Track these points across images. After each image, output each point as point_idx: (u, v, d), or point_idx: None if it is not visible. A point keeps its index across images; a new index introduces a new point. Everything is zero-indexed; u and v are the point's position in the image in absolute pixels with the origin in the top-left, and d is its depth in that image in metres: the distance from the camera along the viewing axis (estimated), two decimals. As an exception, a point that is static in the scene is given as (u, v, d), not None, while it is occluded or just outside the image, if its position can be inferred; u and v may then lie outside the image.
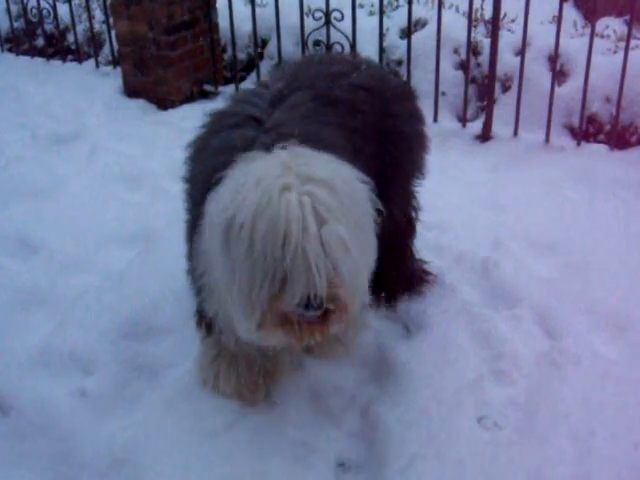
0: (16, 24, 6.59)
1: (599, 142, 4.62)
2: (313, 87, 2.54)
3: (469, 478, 2.37)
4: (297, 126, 2.31)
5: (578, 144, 4.57)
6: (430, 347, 2.90)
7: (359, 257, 2.04)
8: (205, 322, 2.57)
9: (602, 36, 5.06)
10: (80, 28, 6.30)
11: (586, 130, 4.66)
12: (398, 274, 3.10)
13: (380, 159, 2.72)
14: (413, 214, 3.08)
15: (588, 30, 4.71)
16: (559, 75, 4.79)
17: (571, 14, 5.73)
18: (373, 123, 2.67)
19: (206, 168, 2.32)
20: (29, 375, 2.82)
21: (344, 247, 1.98)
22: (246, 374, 2.67)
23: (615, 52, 4.84)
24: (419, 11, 5.50)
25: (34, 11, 6.28)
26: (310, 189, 1.98)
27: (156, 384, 2.77)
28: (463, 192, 4.08)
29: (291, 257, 1.93)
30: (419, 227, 3.14)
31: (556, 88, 4.60)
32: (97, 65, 6.12)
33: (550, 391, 2.69)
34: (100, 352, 2.90)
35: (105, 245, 3.63)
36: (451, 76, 5.08)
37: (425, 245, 3.32)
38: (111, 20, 5.73)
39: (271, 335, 2.12)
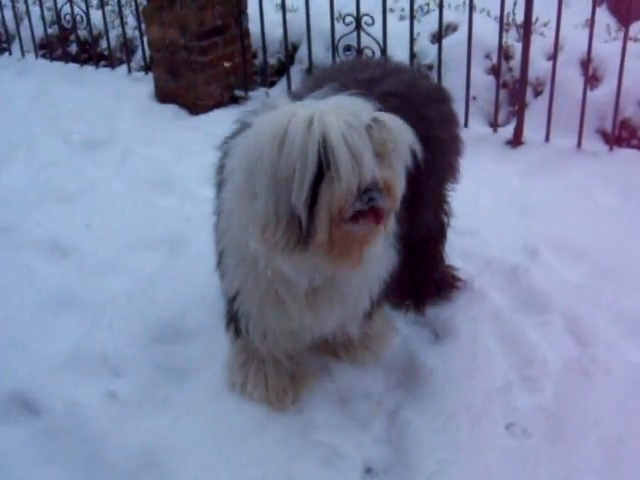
0: (50, 30, 6.67)
1: (632, 147, 4.57)
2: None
3: (497, 485, 2.36)
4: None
5: (610, 149, 4.52)
6: (458, 353, 2.89)
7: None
8: (234, 324, 2.59)
9: (636, 40, 5.00)
10: (113, 34, 6.36)
11: (619, 135, 4.62)
12: (427, 279, 3.10)
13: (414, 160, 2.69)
14: (445, 219, 3.07)
15: (621, 34, 4.67)
16: (592, 79, 4.75)
17: (605, 18, 5.67)
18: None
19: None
20: (60, 377, 2.85)
21: (392, 137, 2.03)
22: (275, 379, 2.69)
23: (649, 56, 4.79)
24: (450, 16, 5.47)
25: (68, 17, 6.36)
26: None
27: (185, 387, 2.79)
28: (493, 197, 4.06)
29: (334, 146, 1.93)
30: (449, 232, 3.13)
31: (589, 93, 4.56)
32: (129, 71, 6.18)
33: (579, 398, 2.67)
34: (130, 355, 2.93)
35: (135, 249, 3.66)
36: (482, 81, 5.05)
37: (455, 250, 3.30)
38: (143, 26, 5.79)
39: (311, 255, 2.10)
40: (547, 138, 4.65)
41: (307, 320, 2.41)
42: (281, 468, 2.45)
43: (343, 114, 2.00)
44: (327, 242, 2.05)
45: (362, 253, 2.15)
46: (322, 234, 2.03)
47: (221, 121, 5.25)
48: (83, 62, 6.47)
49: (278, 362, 2.69)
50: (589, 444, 2.50)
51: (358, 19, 4.89)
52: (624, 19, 4.58)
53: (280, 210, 2.02)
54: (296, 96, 2.54)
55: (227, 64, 5.55)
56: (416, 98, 2.72)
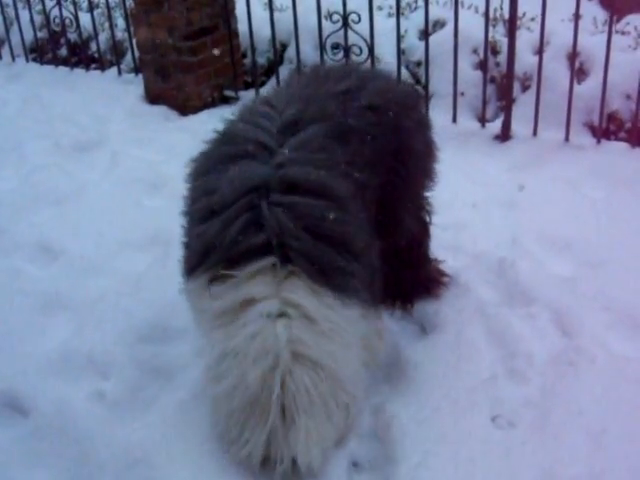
0: (40, 34, 6.67)
1: (619, 140, 4.59)
2: (325, 118, 2.50)
3: (481, 476, 2.36)
4: (307, 168, 2.32)
5: (598, 142, 4.53)
6: (445, 346, 2.90)
7: None
8: None
9: (623, 33, 5.01)
10: (103, 37, 6.38)
11: (606, 128, 4.63)
12: (415, 280, 3.11)
13: (392, 174, 2.71)
14: (427, 218, 3.08)
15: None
16: (579, 73, 4.76)
17: (592, 11, 5.67)
18: (383, 144, 2.65)
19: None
20: (48, 378, 2.86)
21: None
22: None
23: (636, 49, 4.80)
24: (438, 12, 5.49)
25: (57, 21, 6.37)
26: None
27: (172, 386, 2.79)
28: (481, 192, 4.07)
29: None
30: (436, 227, 3.14)
31: (576, 86, 4.58)
32: (119, 73, 6.20)
33: (565, 389, 2.68)
34: (117, 355, 2.94)
35: (124, 250, 3.68)
36: (470, 76, 5.06)
37: (441, 245, 3.32)
38: (132, 28, 5.79)
39: None
40: (535, 132, 4.66)
41: None
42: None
43: None
44: None
45: None
46: None
47: (211, 121, 5.17)
48: (73, 65, 6.48)
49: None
50: (574, 434, 2.51)
51: (345, 17, 4.90)
52: (617, 11, 4.58)
53: None
54: (270, 105, 2.58)
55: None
56: (392, 108, 2.72)
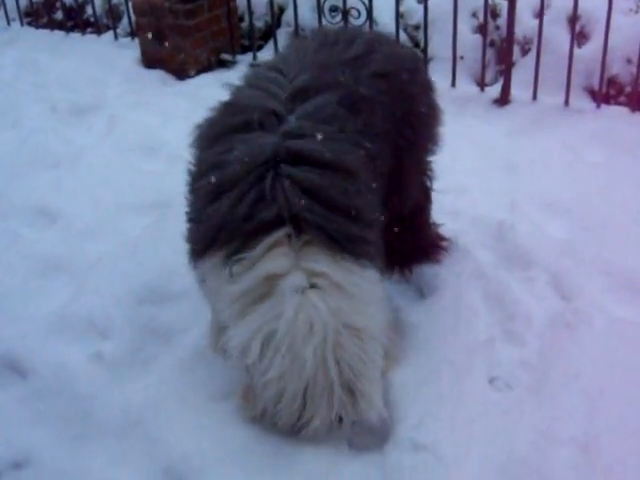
0: (35, -2, 6.61)
1: (619, 104, 4.56)
2: (337, 86, 2.46)
3: (479, 436, 2.38)
4: (316, 139, 2.28)
5: (598, 106, 4.51)
6: (443, 309, 2.91)
7: None
8: None
9: (625, -5, 4.96)
10: (98, 0, 6.30)
11: (606, 92, 4.60)
12: (415, 246, 3.10)
13: (400, 141, 2.68)
14: (429, 184, 3.07)
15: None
16: (579, 37, 4.72)
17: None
18: (393, 111, 2.62)
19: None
20: (47, 340, 2.87)
21: None
22: None
23: (637, 12, 4.75)
24: (437, -25, 5.43)
25: (53, -16, 6.31)
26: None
27: (170, 348, 2.81)
28: (480, 156, 4.06)
29: None
30: (435, 191, 3.12)
31: (576, 50, 4.54)
32: (116, 37, 6.15)
33: (562, 351, 2.69)
34: (116, 317, 2.95)
35: (122, 213, 3.67)
36: (469, 40, 5.02)
37: (441, 209, 3.30)
38: (128, -9, 5.74)
39: None
40: (534, 96, 4.64)
41: None
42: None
43: None
44: None
45: None
46: None
47: (208, 85, 5.25)
48: (69, 29, 6.43)
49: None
50: (571, 396, 2.52)
51: (343, -21, 4.85)
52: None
53: None
54: (279, 71, 2.52)
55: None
56: (400, 74, 2.69)
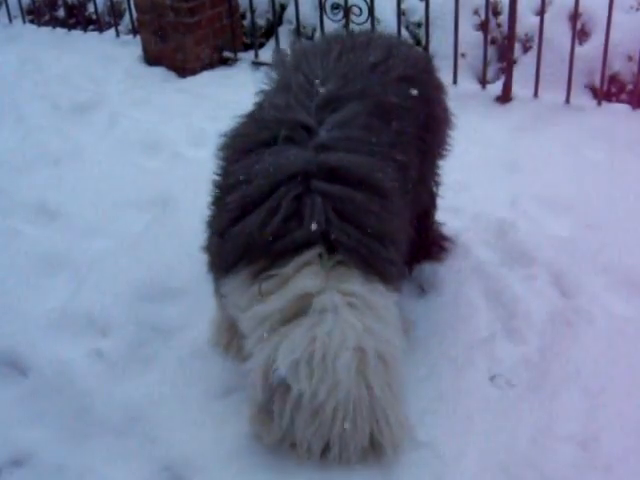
0: (37, -5, 6.61)
1: (620, 102, 4.55)
2: (365, 95, 2.42)
3: (478, 433, 2.37)
4: (349, 154, 2.25)
5: (599, 104, 4.50)
6: (443, 306, 2.91)
7: None
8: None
9: (626, -7, 4.95)
10: (100, -2, 6.31)
11: (608, 90, 4.59)
12: (419, 247, 3.09)
13: (420, 145, 2.65)
14: (435, 189, 3.06)
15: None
16: (580, 34, 4.71)
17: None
18: (417, 117, 2.60)
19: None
20: (47, 337, 2.87)
21: None
22: None
23: (638, 9, 4.74)
24: (438, -28, 5.42)
25: (54, -19, 6.30)
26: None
27: (170, 345, 2.81)
28: (482, 153, 4.05)
29: None
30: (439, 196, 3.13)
31: (577, 47, 4.53)
32: (117, 34, 6.15)
33: (563, 349, 2.69)
34: (116, 314, 2.95)
35: (122, 210, 3.67)
36: (471, 37, 5.01)
37: (442, 206, 3.30)
38: (130, -12, 5.74)
39: None
40: (536, 94, 4.63)
41: None
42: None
43: None
44: None
45: None
46: None
47: (210, 83, 5.26)
48: (71, 27, 6.42)
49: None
50: (571, 393, 2.52)
51: (345, -24, 4.84)
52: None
53: None
54: (305, 75, 2.47)
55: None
56: (420, 78, 2.67)
